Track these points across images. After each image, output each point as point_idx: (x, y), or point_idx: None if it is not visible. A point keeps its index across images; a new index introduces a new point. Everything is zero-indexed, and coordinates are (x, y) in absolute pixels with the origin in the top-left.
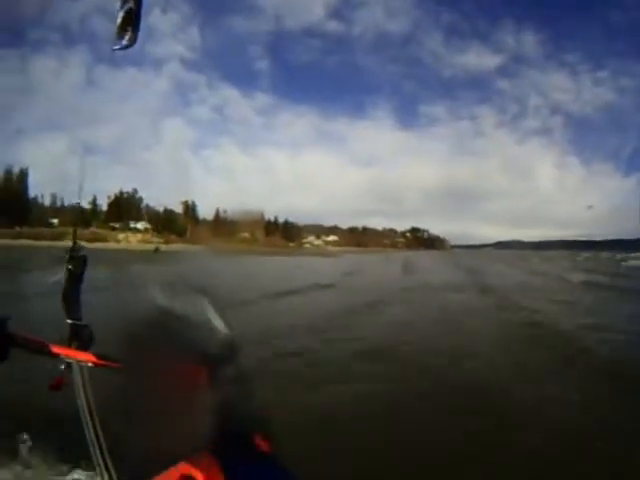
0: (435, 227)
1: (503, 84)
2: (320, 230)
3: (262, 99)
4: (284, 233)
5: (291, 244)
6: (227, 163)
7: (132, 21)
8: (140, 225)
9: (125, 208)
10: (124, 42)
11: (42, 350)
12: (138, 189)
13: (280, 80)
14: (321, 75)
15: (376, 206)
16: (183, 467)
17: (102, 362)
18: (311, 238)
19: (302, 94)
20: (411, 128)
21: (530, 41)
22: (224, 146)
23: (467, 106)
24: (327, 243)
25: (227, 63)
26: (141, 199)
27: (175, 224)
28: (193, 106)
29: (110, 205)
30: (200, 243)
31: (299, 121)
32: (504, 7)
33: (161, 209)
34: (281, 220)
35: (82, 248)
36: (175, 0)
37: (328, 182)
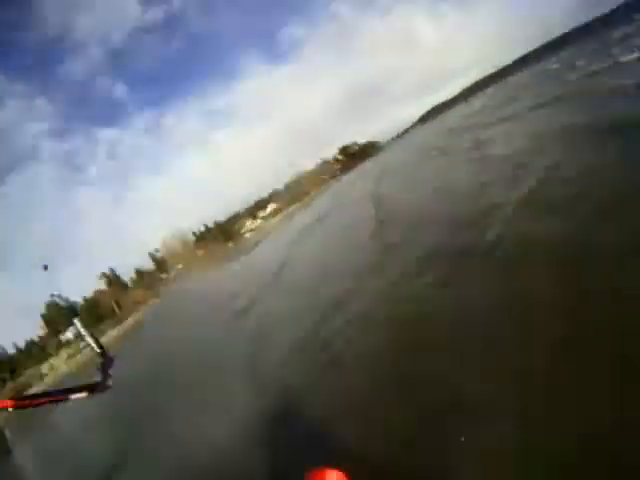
0: (360, 135)
1: None
2: (258, 205)
3: (140, 122)
4: (222, 236)
5: (230, 244)
6: (140, 201)
7: None
8: (70, 333)
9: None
10: None
11: None
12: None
13: (147, 93)
14: (174, 64)
15: (295, 152)
16: None
17: (25, 403)
18: (249, 223)
19: (176, 91)
20: (282, 59)
21: None
22: (125, 194)
23: (320, 11)
24: (267, 217)
25: (91, 107)
26: (67, 301)
27: (100, 308)
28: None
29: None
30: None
31: (186, 118)
32: None
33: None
34: (210, 225)
35: None
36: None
37: (237, 158)
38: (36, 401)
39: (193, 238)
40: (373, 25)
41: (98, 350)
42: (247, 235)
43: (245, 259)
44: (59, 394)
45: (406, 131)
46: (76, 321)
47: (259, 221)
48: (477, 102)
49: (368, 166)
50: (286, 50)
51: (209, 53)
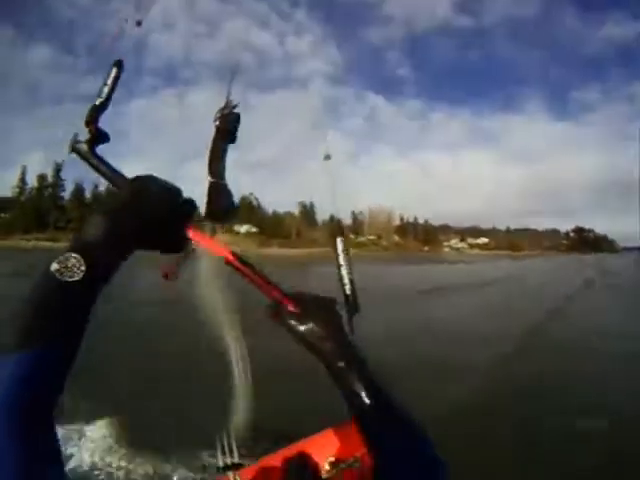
0: (601, 225)
1: None
2: (472, 232)
3: (411, 104)
4: (423, 237)
5: (425, 248)
6: (383, 169)
7: None
8: (243, 229)
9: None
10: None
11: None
12: (299, 200)
13: (425, 83)
14: (464, 72)
15: (537, 205)
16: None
17: (238, 265)
18: (454, 241)
19: (449, 94)
20: (565, 117)
21: None
22: (380, 153)
23: (620, 85)
24: (473, 246)
25: (369, 74)
26: (257, 202)
27: (280, 227)
28: (345, 118)
29: None
30: (307, 247)
31: (452, 122)
32: None
33: (270, 211)
34: (421, 221)
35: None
36: (307, 24)
37: (485, 182)
38: (254, 276)
39: (397, 222)
40: None
41: (348, 291)
42: (446, 250)
43: (425, 269)
44: (276, 291)
45: None
46: (339, 241)
47: (465, 245)
48: None
49: (590, 261)
50: (571, 110)
51: (495, 75)
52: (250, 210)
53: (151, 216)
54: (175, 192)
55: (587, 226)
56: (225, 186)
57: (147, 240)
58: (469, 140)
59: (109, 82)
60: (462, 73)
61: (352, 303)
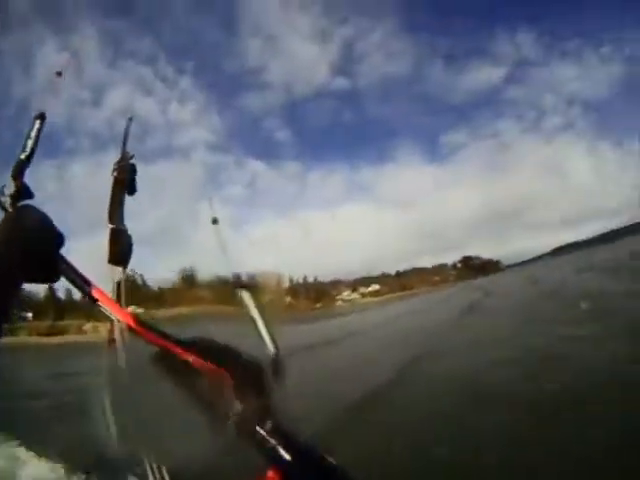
0: (486, 251)
1: (514, 92)
2: (363, 281)
3: (290, 167)
4: (314, 295)
5: (317, 305)
6: (266, 234)
7: None
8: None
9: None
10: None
11: (82, 288)
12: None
13: (303, 145)
14: (340, 131)
15: (422, 245)
16: None
17: (141, 330)
18: (346, 293)
19: (326, 153)
20: (437, 160)
21: (526, 40)
22: (261, 218)
23: (486, 124)
24: (365, 295)
25: (250, 140)
26: (142, 278)
27: (163, 300)
28: (226, 186)
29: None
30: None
31: (329, 179)
32: (493, 17)
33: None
34: (311, 279)
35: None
36: (190, 91)
37: (368, 232)
38: (161, 341)
39: (287, 283)
40: (531, 149)
41: (272, 348)
42: (339, 303)
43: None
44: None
45: (536, 259)
46: (245, 294)
47: (357, 295)
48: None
49: (476, 285)
50: (442, 152)
51: (370, 131)
52: (135, 289)
53: (33, 246)
54: (50, 221)
55: (473, 254)
56: (125, 231)
57: (32, 269)
58: (348, 195)
59: (32, 135)
60: (338, 132)
61: (277, 367)
